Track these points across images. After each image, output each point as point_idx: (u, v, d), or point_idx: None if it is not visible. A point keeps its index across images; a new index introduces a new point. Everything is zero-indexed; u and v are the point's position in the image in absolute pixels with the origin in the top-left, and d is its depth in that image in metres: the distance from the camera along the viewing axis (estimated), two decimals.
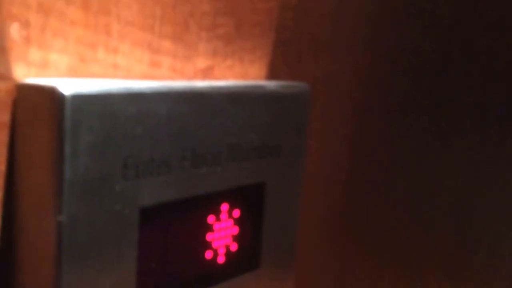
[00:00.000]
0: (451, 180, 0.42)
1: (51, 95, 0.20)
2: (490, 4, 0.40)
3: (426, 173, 0.43)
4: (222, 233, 0.28)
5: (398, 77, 0.43)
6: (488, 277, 0.41)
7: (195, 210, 0.26)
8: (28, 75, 0.22)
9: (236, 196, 0.28)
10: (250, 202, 0.29)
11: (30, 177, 0.21)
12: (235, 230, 0.28)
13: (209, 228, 0.27)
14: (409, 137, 0.43)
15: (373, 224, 0.44)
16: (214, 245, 0.27)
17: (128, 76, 0.26)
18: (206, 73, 0.30)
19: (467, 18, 0.41)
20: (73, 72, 0.23)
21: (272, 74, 0.34)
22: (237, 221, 0.28)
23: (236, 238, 0.28)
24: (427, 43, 0.42)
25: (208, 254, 0.27)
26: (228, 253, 0.28)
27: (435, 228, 0.43)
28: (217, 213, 0.27)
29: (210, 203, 0.27)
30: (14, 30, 0.21)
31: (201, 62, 0.29)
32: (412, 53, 0.42)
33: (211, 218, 0.27)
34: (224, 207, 0.27)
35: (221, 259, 0.28)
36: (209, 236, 0.27)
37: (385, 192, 0.44)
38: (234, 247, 0.28)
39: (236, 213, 0.28)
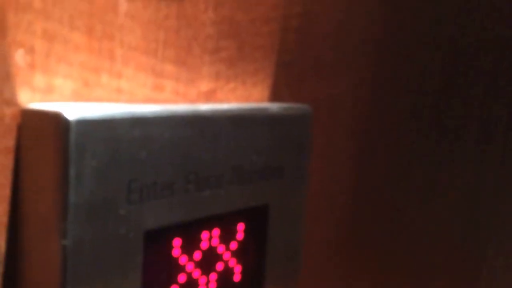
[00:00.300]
0: (456, 197, 0.42)
1: (56, 121, 0.20)
2: (491, 23, 0.41)
3: (430, 191, 0.43)
4: (226, 255, 0.27)
5: (399, 96, 0.43)
6: None
7: (198, 232, 0.26)
8: (32, 100, 0.22)
9: (239, 218, 0.28)
10: (253, 224, 0.29)
11: (34, 201, 0.21)
12: (239, 252, 0.28)
13: (213, 250, 0.27)
14: (412, 156, 0.43)
15: (378, 243, 0.44)
16: (218, 267, 0.27)
17: (131, 100, 0.26)
18: (209, 96, 0.30)
19: (468, 38, 0.41)
20: (77, 96, 0.23)
21: (274, 96, 0.34)
22: (241, 243, 0.28)
23: (240, 260, 0.28)
24: (428, 63, 0.42)
25: (212, 276, 0.27)
26: (231, 275, 0.28)
27: (441, 247, 0.43)
28: (220, 235, 0.27)
29: (213, 226, 0.27)
30: (19, 56, 0.21)
31: (204, 85, 0.30)
32: (413, 72, 0.43)
33: (214, 241, 0.27)
34: (228, 229, 0.27)
35: (225, 281, 0.28)
36: (213, 258, 0.27)
37: (390, 211, 0.44)
38: (238, 269, 0.28)
39: (240, 235, 0.28)
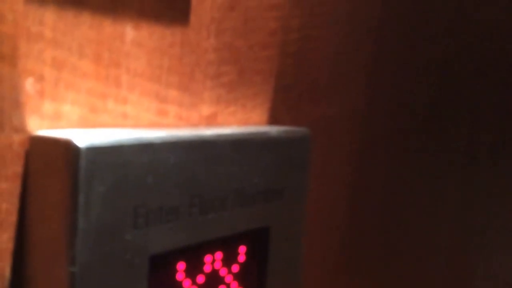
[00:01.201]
0: (447, 217, 0.43)
1: (66, 148, 0.20)
2: (481, 48, 0.42)
3: (424, 212, 0.43)
4: (228, 278, 0.28)
5: (394, 119, 0.44)
6: None
7: (202, 256, 0.26)
8: (41, 127, 0.22)
9: (241, 241, 0.28)
10: (255, 246, 0.29)
11: (42, 227, 0.21)
12: (241, 274, 0.28)
13: (216, 273, 0.27)
14: (407, 178, 0.44)
15: (372, 264, 0.45)
16: None
17: (136, 124, 0.26)
18: (210, 120, 0.31)
19: (458, 62, 0.42)
20: (84, 122, 0.24)
21: (273, 118, 0.35)
22: (243, 266, 0.28)
23: (241, 283, 0.28)
24: (421, 86, 0.43)
25: None
26: None
27: (433, 264, 0.43)
28: (223, 258, 0.27)
29: (216, 249, 0.27)
30: (29, 84, 0.21)
31: (206, 110, 0.30)
32: (407, 96, 0.43)
33: (217, 264, 0.27)
34: (230, 252, 0.28)
35: None
36: (215, 281, 0.27)
37: (384, 233, 0.44)
38: None
39: (242, 257, 0.28)
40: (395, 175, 0.44)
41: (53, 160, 0.21)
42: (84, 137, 0.21)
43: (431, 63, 0.43)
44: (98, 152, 0.21)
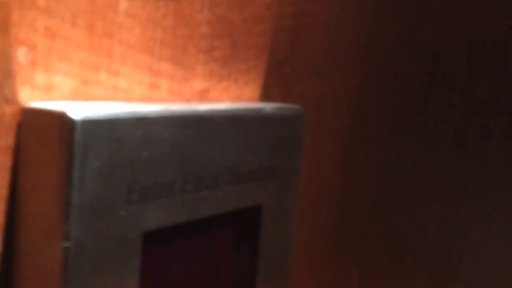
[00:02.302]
0: (440, 197, 0.43)
1: (60, 120, 0.20)
2: (472, 34, 0.42)
3: (416, 192, 0.43)
4: (221, 255, 0.28)
5: (387, 100, 0.44)
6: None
7: (195, 233, 0.26)
8: (32, 99, 0.21)
9: (234, 219, 0.28)
10: (247, 224, 0.29)
11: (35, 202, 0.21)
12: (233, 252, 0.28)
13: (209, 251, 0.27)
14: (400, 157, 0.44)
15: (364, 244, 0.45)
16: (214, 268, 0.27)
17: (128, 98, 0.26)
18: (202, 95, 0.30)
19: (450, 45, 0.42)
20: (75, 95, 0.23)
21: (265, 95, 0.35)
22: (236, 244, 0.28)
23: (234, 260, 0.28)
24: (414, 68, 0.43)
25: (207, 276, 0.27)
26: (226, 276, 0.28)
27: (423, 246, 0.44)
28: (216, 236, 0.27)
29: (209, 226, 0.27)
30: (21, 54, 0.21)
31: (198, 84, 0.30)
32: (401, 77, 0.43)
33: (211, 241, 0.27)
34: (223, 230, 0.28)
35: (220, 282, 0.28)
36: (209, 259, 0.27)
37: (377, 212, 0.45)
38: (232, 269, 0.28)
39: (234, 235, 0.28)
40: (389, 154, 0.44)
41: (46, 133, 0.20)
42: (79, 110, 0.20)
43: (427, 42, 0.43)
44: (93, 125, 0.20)
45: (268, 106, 0.30)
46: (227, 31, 0.31)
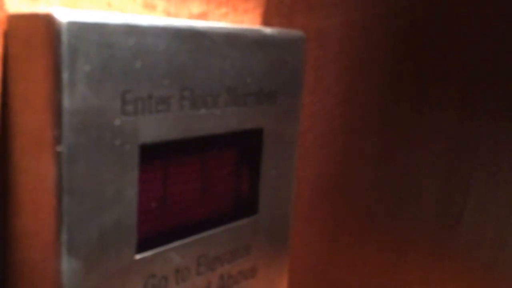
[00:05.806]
0: (438, 150, 0.42)
1: (46, 22, 0.19)
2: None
3: (415, 138, 0.43)
4: (221, 176, 0.27)
5: (389, 37, 0.42)
6: (470, 253, 0.42)
7: (194, 151, 0.26)
8: (19, 8, 0.21)
9: (234, 140, 0.27)
10: (248, 147, 0.28)
11: (26, 110, 0.20)
12: (234, 174, 0.28)
13: (208, 170, 0.26)
14: (404, 96, 0.43)
15: (365, 186, 0.44)
16: (212, 188, 0.27)
17: None
18: (200, 19, 0.29)
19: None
20: (65, 7, 0.23)
21: (265, 24, 0.34)
22: (236, 165, 0.28)
23: (234, 182, 0.28)
24: (417, 5, 0.42)
25: (207, 197, 0.27)
26: (226, 197, 0.28)
27: (420, 203, 0.43)
28: (216, 156, 0.27)
29: (209, 146, 0.26)
30: None
31: (196, 8, 0.29)
32: (403, 14, 0.42)
33: (210, 161, 0.26)
34: (223, 150, 0.27)
35: (219, 203, 0.27)
36: (208, 179, 0.27)
37: (378, 149, 0.44)
38: (233, 191, 0.28)
39: (235, 157, 0.28)
40: (390, 93, 0.43)
41: (33, 38, 0.20)
42: (67, 13, 0.19)
43: None
44: (81, 28, 0.20)
45: (267, 29, 0.29)
46: None
